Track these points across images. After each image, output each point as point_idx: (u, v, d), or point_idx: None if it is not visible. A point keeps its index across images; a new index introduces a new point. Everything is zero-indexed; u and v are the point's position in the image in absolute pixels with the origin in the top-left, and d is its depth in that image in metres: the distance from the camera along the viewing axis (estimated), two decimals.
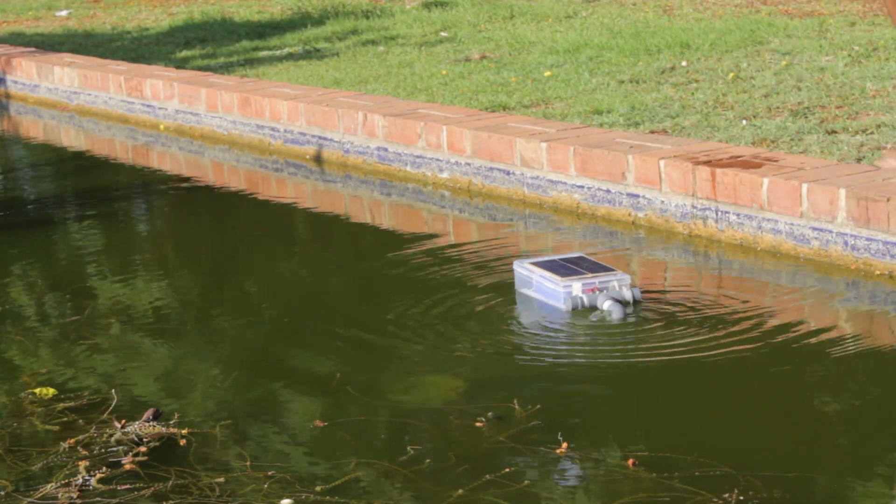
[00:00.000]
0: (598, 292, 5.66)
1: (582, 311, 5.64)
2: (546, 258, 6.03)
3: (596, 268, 5.87)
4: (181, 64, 11.54)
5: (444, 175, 7.98)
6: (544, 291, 5.81)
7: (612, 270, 5.82)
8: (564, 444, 4.38)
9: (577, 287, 5.68)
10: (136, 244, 7.42)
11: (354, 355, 5.34)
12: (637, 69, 9.40)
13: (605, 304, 5.61)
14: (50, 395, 5.03)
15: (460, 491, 4.13)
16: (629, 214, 6.92)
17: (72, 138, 10.76)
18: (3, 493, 4.26)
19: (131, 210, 8.39)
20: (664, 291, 5.94)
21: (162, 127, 10.33)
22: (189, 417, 4.76)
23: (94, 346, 5.61)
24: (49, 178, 9.41)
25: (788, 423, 4.58)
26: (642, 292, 5.75)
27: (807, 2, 11.77)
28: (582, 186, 7.15)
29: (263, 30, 13.19)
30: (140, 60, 11.85)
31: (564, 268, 5.87)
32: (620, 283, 5.70)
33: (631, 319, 5.53)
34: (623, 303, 5.63)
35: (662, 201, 6.77)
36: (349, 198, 8.17)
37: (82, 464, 4.39)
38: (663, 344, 5.26)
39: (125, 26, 14.45)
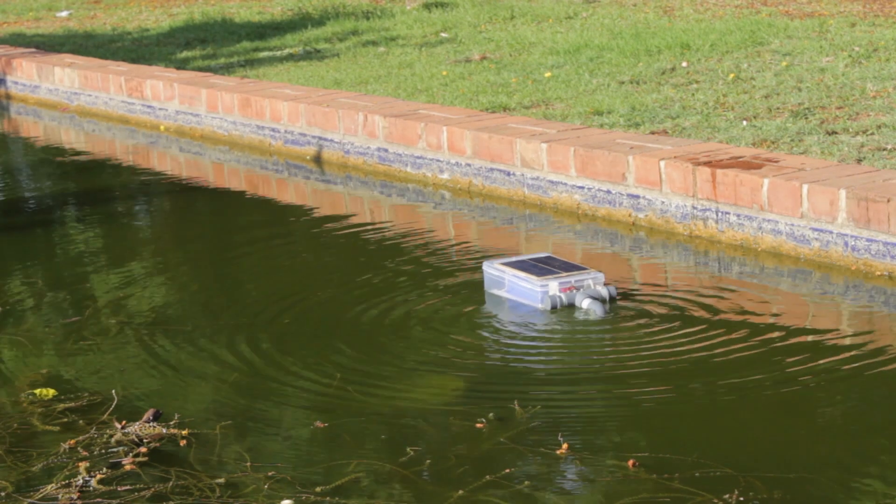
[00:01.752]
0: (575, 291, 5.71)
1: (561, 309, 5.68)
2: (515, 258, 6.07)
3: (568, 267, 5.92)
4: (181, 65, 11.54)
5: (445, 176, 7.98)
6: (518, 291, 5.83)
7: (585, 269, 5.89)
8: (565, 445, 4.38)
9: (554, 286, 5.72)
10: (136, 245, 7.42)
11: (355, 355, 5.34)
12: (637, 70, 9.40)
13: (585, 303, 5.66)
14: (50, 396, 5.03)
15: (461, 491, 4.13)
16: (629, 215, 6.92)
17: (72, 139, 10.76)
18: (3, 493, 4.26)
19: (131, 211, 8.39)
20: (664, 291, 5.94)
21: (162, 128, 10.33)
22: (189, 418, 4.75)
23: (94, 346, 5.61)
24: (49, 178, 9.41)
25: (788, 424, 4.58)
26: (619, 290, 5.78)
27: (807, 2, 11.77)
28: (582, 187, 7.15)
29: (264, 30, 13.19)
30: (140, 61, 11.85)
31: (537, 267, 5.91)
32: (595, 281, 5.76)
33: (640, 321, 5.53)
34: (601, 300, 5.66)
35: (663, 202, 6.77)
36: (349, 198, 8.17)
37: (82, 464, 4.39)
38: (663, 344, 5.26)
39: (126, 27, 14.45)
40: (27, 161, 10.20)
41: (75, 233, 7.72)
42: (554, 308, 5.69)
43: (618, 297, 5.74)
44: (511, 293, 5.86)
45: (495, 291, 5.94)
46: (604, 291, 5.72)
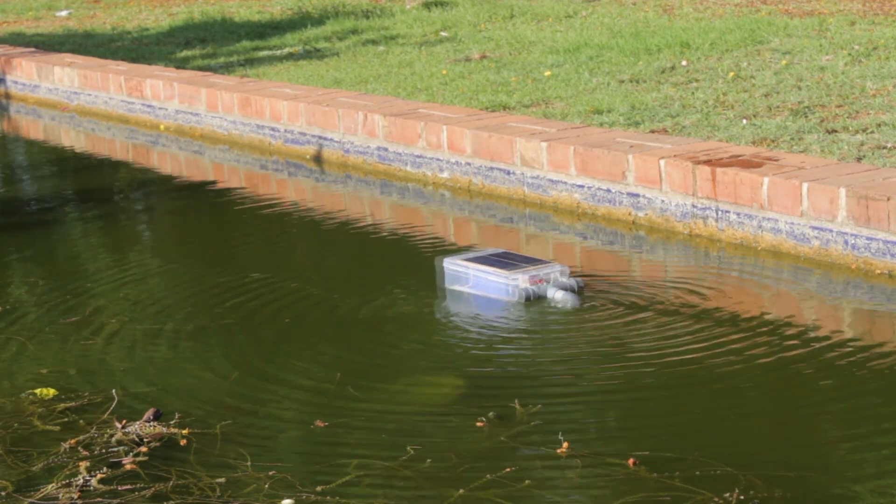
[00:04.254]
0: (544, 283, 5.80)
1: (533, 302, 5.75)
2: (473, 254, 6.15)
3: (531, 260, 6.02)
4: (181, 64, 11.54)
5: (445, 175, 7.98)
6: (485, 286, 5.89)
7: (549, 262, 5.98)
8: (565, 444, 4.38)
9: (523, 279, 5.79)
10: (136, 244, 7.42)
11: (355, 355, 5.34)
12: (637, 69, 9.40)
13: (557, 295, 5.73)
14: (50, 396, 5.03)
15: (461, 491, 4.13)
16: (629, 214, 6.92)
17: (72, 139, 10.76)
18: (3, 493, 4.26)
19: (131, 210, 8.39)
20: (664, 289, 5.94)
21: (162, 127, 10.33)
22: (189, 417, 4.76)
23: (94, 346, 5.61)
24: (49, 178, 9.41)
25: (789, 423, 4.58)
26: (615, 286, 5.81)
27: (807, 1, 11.77)
28: (582, 186, 7.15)
29: (263, 30, 13.19)
30: (140, 60, 11.85)
31: (500, 262, 5.99)
32: (561, 273, 5.84)
33: (637, 319, 5.54)
34: (571, 292, 5.75)
35: (663, 201, 6.77)
36: (349, 198, 8.17)
37: (83, 464, 4.39)
38: (663, 342, 5.26)
39: (125, 26, 14.45)
40: (27, 160, 10.20)
41: (75, 232, 7.72)
42: (527, 300, 5.75)
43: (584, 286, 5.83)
44: (476, 288, 5.93)
45: (456, 287, 6.00)
46: (571, 283, 5.80)
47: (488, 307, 5.79)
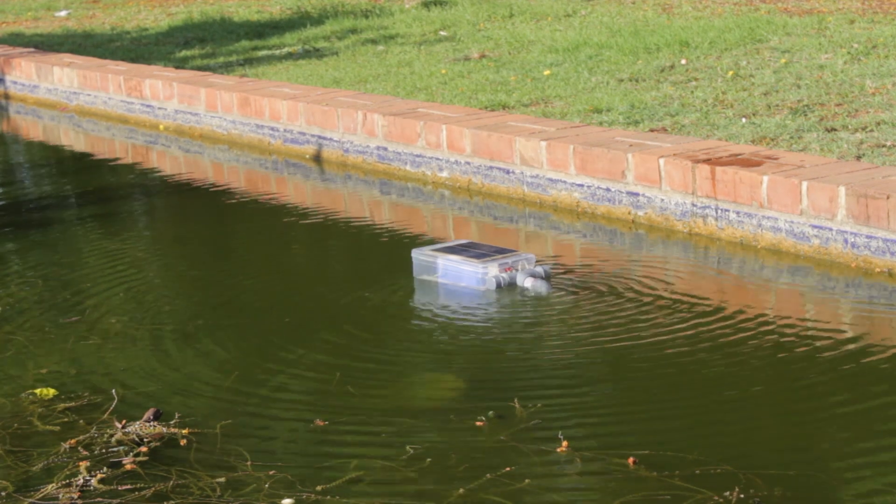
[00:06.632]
0: (515, 271, 5.93)
1: (504, 289, 5.86)
2: (442, 245, 6.26)
3: (499, 249, 6.13)
4: (180, 64, 11.54)
5: (444, 174, 7.98)
6: (455, 275, 6.00)
7: (515, 251, 6.12)
8: (565, 443, 4.38)
9: (495, 268, 5.93)
10: (135, 244, 7.41)
11: (355, 355, 5.34)
12: (636, 67, 9.40)
13: (528, 282, 5.87)
14: (50, 396, 5.03)
15: (461, 490, 4.13)
16: (629, 213, 6.92)
17: (71, 139, 10.76)
18: (3, 493, 4.26)
19: (131, 210, 8.39)
20: (665, 284, 5.94)
21: (161, 127, 10.33)
22: (189, 417, 4.76)
23: (94, 346, 5.61)
24: (49, 178, 9.41)
25: (789, 421, 4.58)
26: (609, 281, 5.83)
27: None
28: (581, 185, 7.15)
29: (263, 29, 13.19)
30: (139, 60, 11.85)
31: (469, 251, 6.11)
32: (529, 261, 5.99)
33: (636, 316, 5.54)
34: (541, 279, 5.88)
35: (662, 199, 6.77)
36: (349, 197, 8.17)
37: (83, 464, 4.39)
38: (663, 340, 5.26)
39: (124, 26, 14.45)
40: (26, 161, 10.19)
41: (75, 232, 7.72)
42: (498, 287, 5.89)
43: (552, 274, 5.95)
44: (446, 278, 6.04)
45: (425, 277, 6.10)
46: (540, 270, 5.95)
47: (477, 300, 5.84)
